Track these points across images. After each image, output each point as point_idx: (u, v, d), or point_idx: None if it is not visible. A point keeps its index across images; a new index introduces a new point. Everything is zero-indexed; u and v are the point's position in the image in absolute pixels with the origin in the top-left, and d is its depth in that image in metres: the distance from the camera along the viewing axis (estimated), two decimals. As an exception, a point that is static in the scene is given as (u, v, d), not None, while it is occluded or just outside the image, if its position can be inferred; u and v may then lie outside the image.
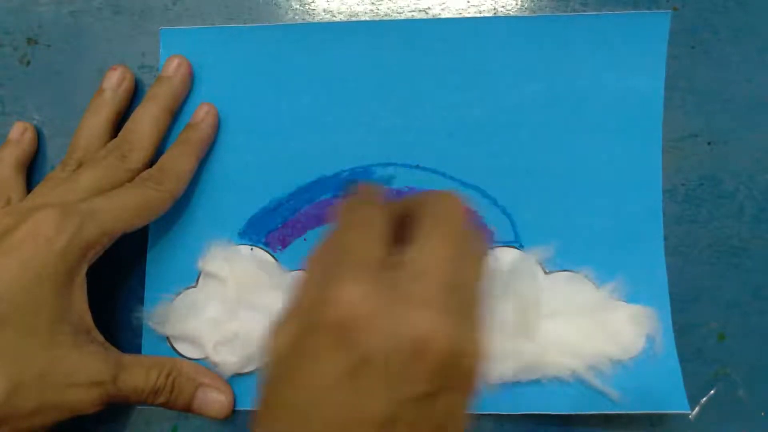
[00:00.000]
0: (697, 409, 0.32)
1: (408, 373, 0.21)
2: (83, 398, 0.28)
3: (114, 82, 0.33)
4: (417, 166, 0.33)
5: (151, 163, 0.32)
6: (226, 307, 0.32)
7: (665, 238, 0.32)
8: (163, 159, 0.31)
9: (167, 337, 0.32)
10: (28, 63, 0.36)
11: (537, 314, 0.31)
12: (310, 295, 0.23)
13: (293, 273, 0.33)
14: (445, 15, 0.34)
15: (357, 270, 0.22)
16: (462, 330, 0.22)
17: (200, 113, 0.33)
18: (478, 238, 0.25)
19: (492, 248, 0.26)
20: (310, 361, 0.21)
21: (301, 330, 0.22)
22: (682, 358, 0.31)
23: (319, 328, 0.21)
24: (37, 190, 0.31)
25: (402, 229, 0.24)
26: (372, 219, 0.24)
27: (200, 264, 0.33)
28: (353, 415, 0.21)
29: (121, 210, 0.29)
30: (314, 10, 0.35)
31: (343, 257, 0.23)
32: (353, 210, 0.25)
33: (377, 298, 0.21)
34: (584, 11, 0.34)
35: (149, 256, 0.33)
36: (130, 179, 0.31)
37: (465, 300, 0.23)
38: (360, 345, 0.21)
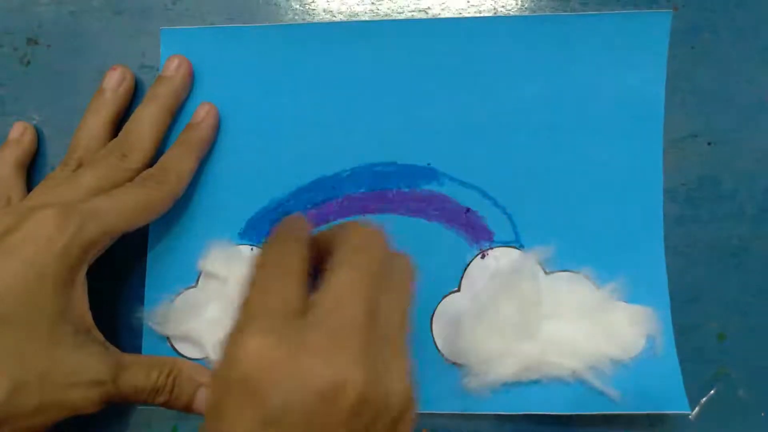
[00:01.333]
0: (697, 409, 0.32)
1: (321, 423, 0.20)
2: (84, 398, 0.28)
3: (114, 82, 0.33)
4: (418, 167, 0.33)
5: (152, 163, 0.32)
6: (226, 307, 0.32)
7: (665, 238, 0.32)
8: (164, 159, 0.31)
9: (167, 337, 0.32)
10: (28, 63, 0.36)
11: (537, 314, 0.31)
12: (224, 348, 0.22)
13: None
14: (445, 15, 0.34)
15: (263, 321, 0.21)
16: (379, 369, 0.21)
17: (200, 113, 0.33)
18: (399, 267, 0.25)
19: (414, 277, 0.25)
20: (225, 418, 0.21)
21: (218, 386, 0.22)
22: (682, 358, 0.31)
23: (228, 385, 0.21)
24: (38, 189, 0.31)
25: (324, 264, 0.23)
26: (287, 260, 0.23)
27: (200, 264, 0.33)
28: None
29: (122, 209, 0.29)
30: (314, 10, 0.35)
31: (252, 307, 0.22)
32: (269, 250, 0.24)
33: (283, 349, 0.20)
34: (584, 11, 0.34)
35: (149, 256, 0.33)
36: (131, 179, 0.31)
37: (382, 336, 0.22)
38: (267, 400, 0.20)
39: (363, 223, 0.24)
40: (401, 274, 0.24)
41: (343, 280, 0.22)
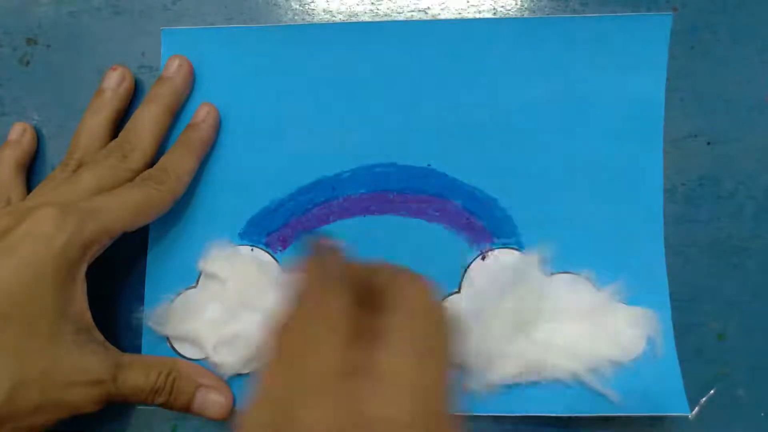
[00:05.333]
0: (696, 409, 0.32)
1: None
2: (83, 397, 0.28)
3: (114, 82, 0.33)
4: (418, 168, 0.33)
5: (152, 163, 0.32)
6: (226, 307, 0.32)
7: (665, 238, 0.32)
8: (164, 159, 0.31)
9: (167, 338, 0.32)
10: (28, 63, 0.36)
11: (537, 316, 0.31)
12: (272, 408, 0.21)
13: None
14: (444, 15, 0.34)
15: (318, 387, 0.20)
16: None
17: (201, 113, 0.33)
18: (447, 328, 0.23)
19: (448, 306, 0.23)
20: None
21: None
22: (682, 358, 0.31)
23: None
24: (38, 190, 0.31)
25: (370, 294, 0.22)
26: (333, 311, 0.22)
27: (200, 264, 0.33)
28: None
29: (122, 209, 0.29)
30: (314, 10, 0.35)
31: (302, 369, 0.21)
32: (313, 294, 0.23)
33: (339, 419, 0.19)
34: (584, 11, 0.34)
35: (149, 256, 0.33)
36: (131, 179, 0.31)
37: (433, 404, 0.21)
38: None
39: (416, 279, 0.23)
40: (447, 339, 0.23)
41: (401, 346, 0.21)
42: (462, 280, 0.32)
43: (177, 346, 0.32)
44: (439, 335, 0.22)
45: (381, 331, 0.21)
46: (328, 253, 0.25)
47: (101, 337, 0.29)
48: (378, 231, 0.33)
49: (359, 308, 0.22)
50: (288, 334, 0.22)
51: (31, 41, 0.36)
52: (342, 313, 0.22)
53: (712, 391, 0.32)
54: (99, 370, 0.28)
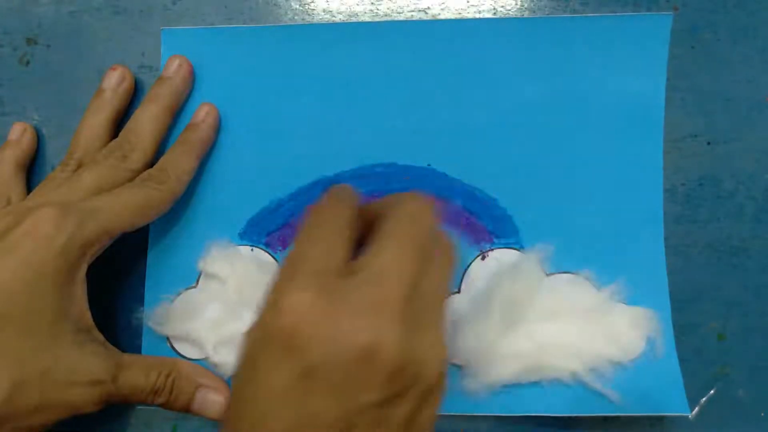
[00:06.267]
0: (696, 409, 0.32)
1: (357, 381, 0.21)
2: (83, 397, 0.28)
3: (114, 82, 0.33)
4: (418, 167, 0.33)
5: (152, 163, 0.32)
6: (226, 307, 0.32)
7: (665, 238, 0.32)
8: (164, 159, 0.31)
9: (167, 338, 0.32)
10: (28, 63, 0.36)
11: (537, 316, 0.31)
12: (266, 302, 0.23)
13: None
14: (444, 15, 0.34)
15: (308, 277, 0.22)
16: (416, 338, 0.21)
17: (201, 113, 0.33)
18: (444, 245, 0.25)
19: (458, 256, 0.26)
20: (262, 370, 0.21)
21: (256, 337, 0.22)
22: (682, 358, 0.31)
23: (268, 337, 0.21)
24: (38, 190, 0.31)
25: (371, 233, 0.24)
26: (334, 222, 0.24)
27: (200, 264, 0.33)
28: (305, 424, 0.21)
29: (122, 209, 0.29)
30: (314, 10, 0.35)
31: (297, 264, 0.23)
32: (318, 212, 0.25)
33: (325, 306, 0.21)
34: (584, 11, 0.34)
35: (149, 257, 0.33)
36: (131, 179, 0.31)
37: (421, 307, 0.22)
38: (306, 353, 0.21)
39: (416, 194, 0.25)
40: (445, 249, 0.25)
41: (391, 249, 0.22)
42: (462, 280, 0.32)
43: (177, 346, 0.32)
44: (432, 246, 0.24)
45: (374, 240, 0.23)
46: (343, 189, 0.26)
47: (101, 337, 0.29)
48: (378, 231, 0.33)
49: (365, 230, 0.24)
50: (293, 241, 0.24)
51: (31, 41, 0.36)
52: (345, 225, 0.24)
53: (712, 391, 0.32)
54: (99, 370, 0.28)
